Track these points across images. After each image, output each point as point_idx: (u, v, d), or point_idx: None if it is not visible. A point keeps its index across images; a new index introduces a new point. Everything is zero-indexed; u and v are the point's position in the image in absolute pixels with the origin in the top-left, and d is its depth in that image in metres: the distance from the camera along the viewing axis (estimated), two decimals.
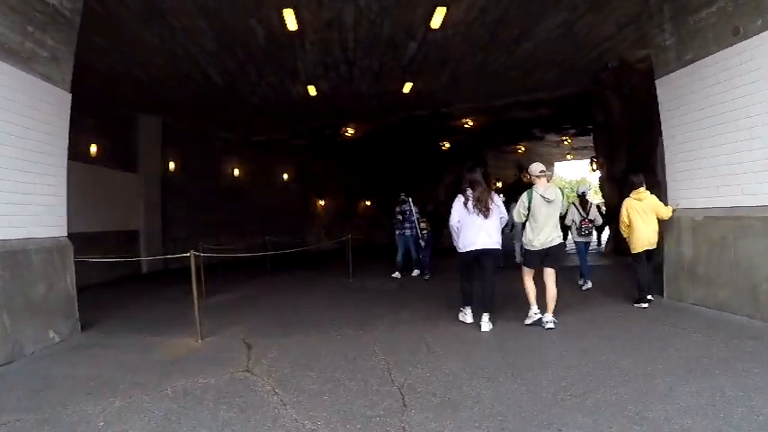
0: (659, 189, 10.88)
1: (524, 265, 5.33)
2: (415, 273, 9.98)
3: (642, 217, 6.09)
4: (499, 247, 5.20)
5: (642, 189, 6.20)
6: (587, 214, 7.56)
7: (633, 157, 11.43)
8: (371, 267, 11.87)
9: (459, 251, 5.31)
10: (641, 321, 5.33)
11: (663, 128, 6.67)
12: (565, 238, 5.80)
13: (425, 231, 9.71)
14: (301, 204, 19.28)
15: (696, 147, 6.08)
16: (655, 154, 10.81)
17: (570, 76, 11.49)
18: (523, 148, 19.13)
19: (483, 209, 5.08)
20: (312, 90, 11.63)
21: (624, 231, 6.38)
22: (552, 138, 17.31)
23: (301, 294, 8.38)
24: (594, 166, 12.88)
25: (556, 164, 25.06)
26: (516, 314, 5.53)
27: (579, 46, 9.74)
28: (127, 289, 9.89)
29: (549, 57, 10.11)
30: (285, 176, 18.65)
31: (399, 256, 10.03)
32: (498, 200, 5.27)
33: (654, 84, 6.66)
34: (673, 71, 6.34)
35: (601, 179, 12.98)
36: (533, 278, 5.29)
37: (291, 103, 12.92)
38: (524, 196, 5.18)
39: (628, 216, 6.20)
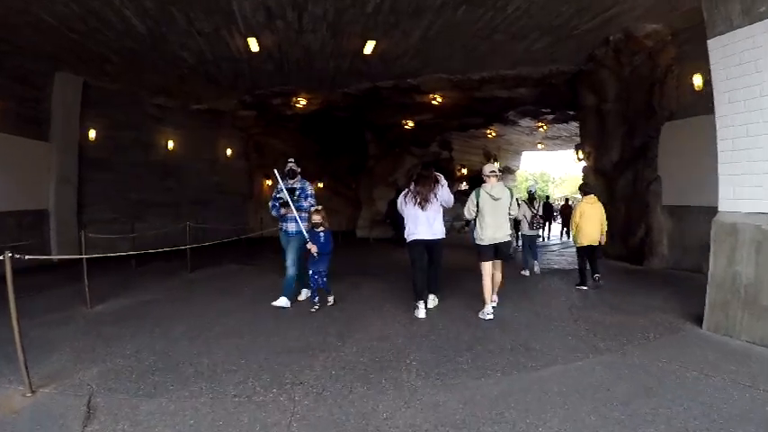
0: (658, 185, 9.62)
1: (480, 259, 5.44)
2: (303, 295, 6.41)
3: (590, 219, 7.08)
4: (440, 237, 5.56)
5: (593, 197, 7.36)
6: (537, 210, 8.63)
7: (630, 148, 9.87)
8: None
9: (407, 242, 5.66)
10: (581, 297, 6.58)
11: (716, 104, 4.97)
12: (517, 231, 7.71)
13: (321, 231, 5.78)
14: (247, 184, 17.02)
15: (765, 130, 4.42)
16: (656, 145, 9.28)
17: (562, 49, 9.74)
18: (494, 133, 17.50)
19: (422, 201, 5.43)
20: (254, 44, 9.34)
21: (573, 229, 7.35)
22: (527, 123, 15.74)
23: (212, 305, 6.21)
24: (580, 155, 11.24)
25: (524, 153, 23.72)
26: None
27: (581, 8, 7.97)
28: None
29: (544, 19, 8.28)
30: (229, 152, 16.31)
31: (290, 270, 6.02)
32: (444, 192, 5.53)
33: (658, 66, 4.86)
34: (738, 27, 4.60)
35: (585, 170, 11.39)
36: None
37: (232, 63, 10.62)
38: (473, 194, 5.49)
39: (579, 216, 7.16)
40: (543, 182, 49.01)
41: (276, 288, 6.39)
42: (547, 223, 16.26)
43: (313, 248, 5.61)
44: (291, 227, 6.12)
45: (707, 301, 4.86)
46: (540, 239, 10.70)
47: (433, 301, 5.70)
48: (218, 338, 4.66)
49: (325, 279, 5.80)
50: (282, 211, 6.18)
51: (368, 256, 11.41)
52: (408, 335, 4.71)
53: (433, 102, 13.31)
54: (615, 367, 3.75)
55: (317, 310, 5.70)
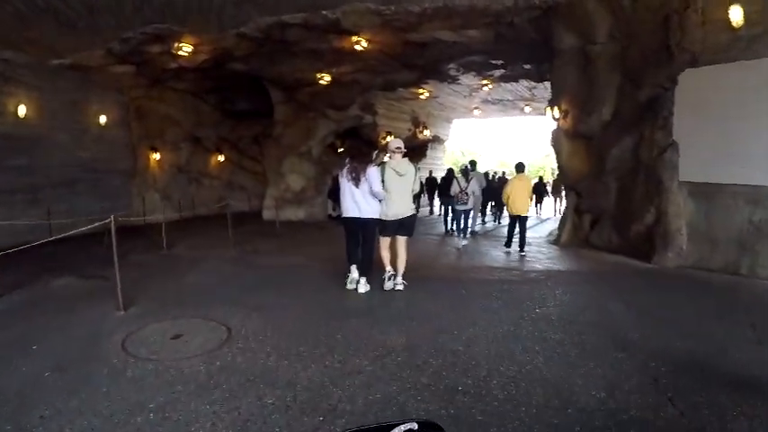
0: (674, 154, 6.64)
1: (380, 234, 5.49)
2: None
3: (520, 193, 8.03)
4: (370, 216, 5.33)
5: (524, 174, 8.41)
6: (467, 186, 9.02)
7: (630, 103, 7.37)
8: (210, 258, 7.48)
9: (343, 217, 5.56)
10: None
11: None
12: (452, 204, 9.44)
13: None
14: (129, 159, 12.96)
15: None
16: (670, 100, 6.82)
17: None
18: (427, 93, 14.54)
19: (355, 177, 5.27)
20: None
21: (505, 200, 8.32)
22: (469, 80, 12.93)
23: None
24: (556, 113, 8.54)
25: (455, 121, 21.13)
26: None
27: None
28: None
29: None
30: (104, 120, 12.06)
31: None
32: (371, 173, 5.25)
33: None
34: None
35: (556, 134, 8.84)
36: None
37: None
38: (378, 171, 5.35)
39: (511, 190, 8.11)
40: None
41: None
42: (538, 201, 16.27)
43: None
44: None
45: None
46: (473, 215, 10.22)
47: (364, 285, 5.44)
48: None
49: None
50: None
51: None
52: None
53: (357, 47, 9.97)
54: None
55: None
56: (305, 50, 10.65)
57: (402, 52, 10.53)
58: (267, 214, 13.09)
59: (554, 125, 8.98)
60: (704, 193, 6.55)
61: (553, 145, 9.05)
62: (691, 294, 5.31)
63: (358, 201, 5.28)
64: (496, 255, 8.13)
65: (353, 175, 5.25)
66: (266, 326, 4.16)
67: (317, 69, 11.93)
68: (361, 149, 5.65)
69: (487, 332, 3.99)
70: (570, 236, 8.47)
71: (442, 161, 21.93)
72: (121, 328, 4.09)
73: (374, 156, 6.33)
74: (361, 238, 5.45)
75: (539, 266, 6.96)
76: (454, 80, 13.06)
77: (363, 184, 5.23)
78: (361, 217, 5.31)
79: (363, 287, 5.40)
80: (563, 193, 18.49)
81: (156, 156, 13.74)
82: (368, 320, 4.33)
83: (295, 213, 13.73)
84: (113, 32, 9.24)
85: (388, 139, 15.86)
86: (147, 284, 5.58)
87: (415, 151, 17.79)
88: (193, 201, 14.45)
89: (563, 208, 18.01)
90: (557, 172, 20.33)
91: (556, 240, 8.98)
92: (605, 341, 3.76)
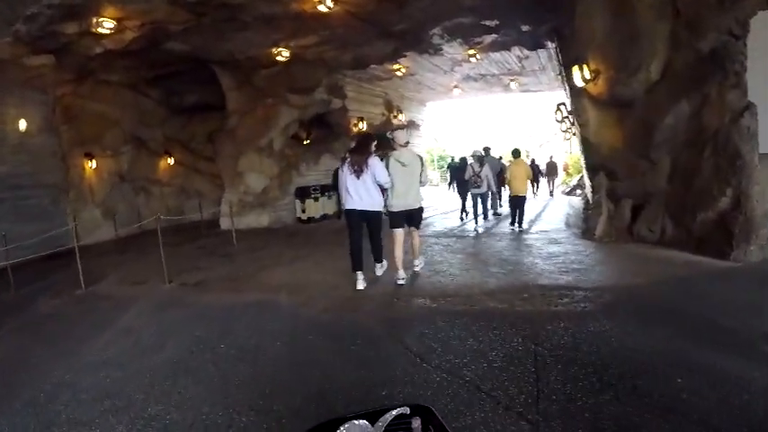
0: (752, 120, 4.75)
1: (390, 226, 5.37)
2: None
3: (517, 176, 8.87)
4: (373, 208, 5.20)
5: (521, 159, 9.42)
6: (480, 171, 9.35)
7: (689, 57, 5.65)
8: (137, 300, 5.39)
9: (345, 209, 5.43)
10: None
11: None
12: (467, 190, 9.74)
13: None
14: (59, 171, 10.67)
15: None
16: (742, 51, 5.17)
17: None
18: (404, 70, 12.59)
19: (357, 170, 5.12)
20: None
21: (506, 183, 9.31)
22: (454, 51, 11.02)
23: None
24: (586, 73, 6.65)
25: (429, 104, 19.27)
26: None
27: None
28: None
29: None
30: (23, 125, 9.70)
31: None
32: (374, 163, 5.13)
33: None
34: None
35: (577, 99, 7.10)
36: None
37: None
38: (384, 162, 5.28)
39: (510, 174, 9.04)
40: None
41: None
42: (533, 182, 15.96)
43: None
44: None
45: None
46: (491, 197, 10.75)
47: (380, 268, 5.56)
48: None
49: None
50: None
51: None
52: None
53: (320, 7, 7.95)
54: None
55: None
56: (257, 19, 8.57)
57: (376, 12, 8.52)
58: (225, 223, 10.84)
59: (575, 92, 7.20)
60: None
61: (575, 110, 7.27)
62: None
63: (361, 193, 5.16)
64: (530, 263, 5.94)
65: (355, 167, 5.12)
66: None
67: (274, 43, 9.82)
68: (360, 141, 5.56)
69: None
70: (607, 227, 6.75)
71: (418, 148, 20.08)
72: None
73: (372, 147, 5.47)
74: (368, 232, 5.34)
75: (583, 279, 4.98)
76: (436, 51, 11.13)
77: (365, 175, 5.11)
78: (365, 209, 5.19)
79: (380, 270, 5.56)
80: (558, 174, 18.09)
81: (93, 164, 11.45)
82: None
83: (258, 219, 11.65)
84: (10, 6, 7.03)
85: (361, 125, 14.02)
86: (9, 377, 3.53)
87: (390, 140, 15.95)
88: (140, 214, 12.22)
89: (556, 189, 17.60)
90: (551, 155, 19.30)
91: (585, 232, 7.26)
92: None
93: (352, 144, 6.12)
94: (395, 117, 15.89)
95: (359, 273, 5.18)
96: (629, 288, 4.62)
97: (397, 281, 5.17)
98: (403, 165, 5.21)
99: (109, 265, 7.57)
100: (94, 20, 7.89)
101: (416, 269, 5.64)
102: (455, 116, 62.00)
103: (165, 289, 5.73)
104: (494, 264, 5.95)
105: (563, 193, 17.42)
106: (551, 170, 17.44)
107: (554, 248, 6.51)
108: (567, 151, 22.31)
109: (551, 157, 18.52)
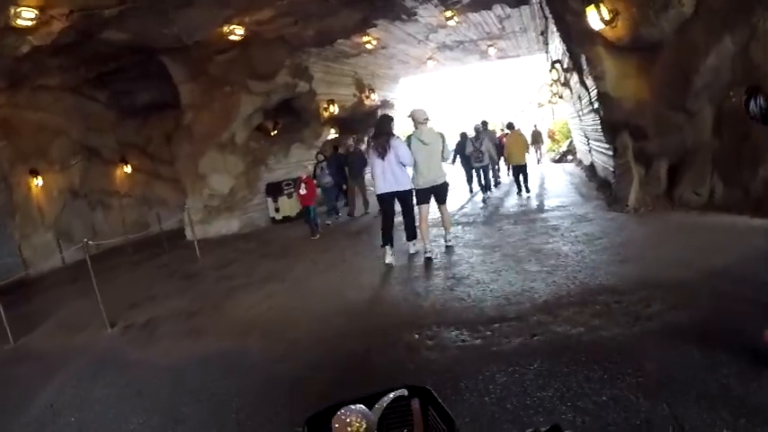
0: None
1: (417, 203, 5.59)
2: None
3: (515, 146, 9.65)
4: (404, 188, 5.45)
5: (516, 130, 10.44)
6: (480, 146, 9.79)
7: None
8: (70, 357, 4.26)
9: (377, 194, 5.69)
10: None
11: None
12: (472, 165, 9.99)
13: None
14: (1, 193, 9.68)
15: None
16: None
17: None
18: (375, 43, 11.33)
19: (380, 151, 5.35)
20: None
21: (506, 154, 10.23)
22: (429, 15, 9.81)
23: None
24: (605, 12, 5.56)
25: (401, 81, 18.10)
26: None
27: None
28: None
29: None
30: None
31: None
32: (396, 144, 5.34)
33: None
34: None
35: (589, 50, 6.10)
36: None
37: None
38: (405, 142, 5.53)
39: (508, 145, 9.95)
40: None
41: None
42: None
43: None
44: None
45: None
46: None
47: (414, 246, 5.76)
48: None
49: None
50: None
51: None
52: None
53: None
54: None
55: None
56: None
57: None
58: (190, 233, 9.51)
59: (585, 39, 6.15)
60: None
61: (592, 64, 6.23)
62: None
63: (387, 176, 5.39)
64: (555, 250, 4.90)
65: (379, 150, 5.35)
66: None
67: (225, 21, 8.49)
68: (380, 125, 5.73)
69: None
70: (640, 195, 5.79)
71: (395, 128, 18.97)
72: None
73: (392, 127, 5.68)
74: (402, 210, 5.62)
75: (654, 271, 3.78)
76: (410, 16, 9.94)
77: (390, 156, 5.31)
78: (395, 190, 5.44)
79: (413, 248, 5.76)
80: (543, 142, 17.43)
81: (39, 181, 10.11)
82: None
83: (227, 225, 10.38)
84: None
85: (332, 109, 12.78)
86: None
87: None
88: (94, 231, 10.89)
89: (541, 157, 16.91)
90: (535, 123, 18.49)
91: (613, 203, 6.25)
92: None
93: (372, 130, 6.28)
94: (367, 97, 14.68)
95: (387, 247, 5.53)
96: (721, 276, 3.44)
97: (425, 254, 5.44)
98: (424, 143, 5.38)
99: (55, 301, 6.35)
100: (12, 10, 6.52)
101: (449, 243, 5.88)
102: (429, 91, 59.98)
103: (105, 337, 4.56)
104: (527, 259, 4.80)
105: (552, 160, 16.69)
106: (536, 138, 17.21)
107: (587, 228, 5.50)
108: (552, 118, 21.61)
109: (535, 126, 17.90)
